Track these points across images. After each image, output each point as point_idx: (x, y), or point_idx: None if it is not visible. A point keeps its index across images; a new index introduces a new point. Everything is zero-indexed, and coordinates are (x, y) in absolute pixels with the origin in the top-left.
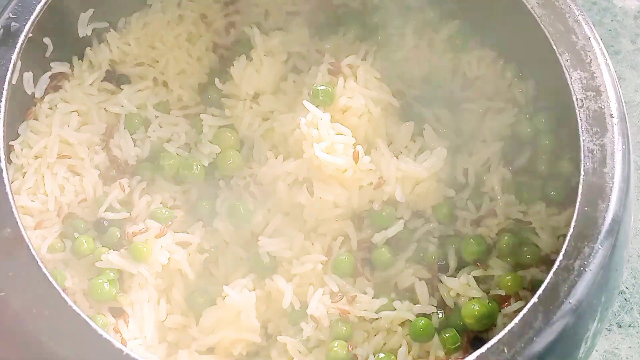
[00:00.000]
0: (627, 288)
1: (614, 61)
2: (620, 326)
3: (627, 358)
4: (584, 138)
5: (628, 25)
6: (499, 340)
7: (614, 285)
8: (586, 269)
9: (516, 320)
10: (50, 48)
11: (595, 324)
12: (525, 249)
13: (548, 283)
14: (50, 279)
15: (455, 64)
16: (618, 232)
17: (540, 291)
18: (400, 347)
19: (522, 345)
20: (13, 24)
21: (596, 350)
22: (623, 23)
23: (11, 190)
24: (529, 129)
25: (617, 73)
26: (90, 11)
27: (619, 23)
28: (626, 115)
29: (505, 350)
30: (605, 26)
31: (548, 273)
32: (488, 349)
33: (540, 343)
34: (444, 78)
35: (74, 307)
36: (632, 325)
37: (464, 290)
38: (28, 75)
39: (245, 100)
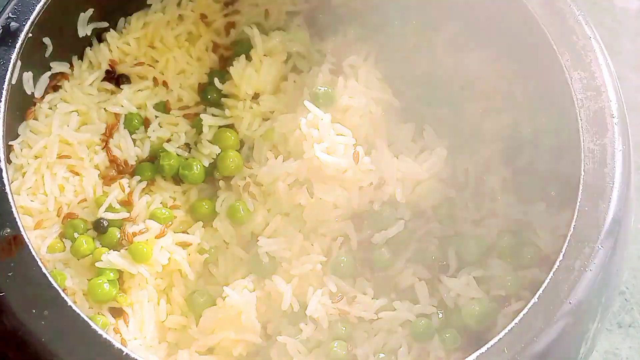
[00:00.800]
0: (627, 288)
1: (614, 61)
2: (621, 326)
3: (627, 358)
4: (584, 138)
5: (628, 25)
6: (499, 340)
7: (614, 286)
8: (586, 269)
9: (516, 320)
10: (50, 48)
11: (595, 324)
12: (526, 249)
13: (548, 283)
14: (50, 279)
15: (455, 64)
16: (618, 232)
17: (540, 291)
18: (400, 347)
19: (523, 345)
20: (13, 23)
21: (596, 351)
22: (623, 23)
23: (11, 190)
24: (529, 129)
25: (617, 73)
26: (90, 11)
27: (619, 23)
28: (626, 116)
29: (506, 351)
30: (605, 26)
31: (548, 273)
32: (488, 349)
33: (541, 343)
34: (444, 78)
35: (74, 307)
36: (633, 325)
37: (464, 290)
38: (28, 75)
39: (245, 100)
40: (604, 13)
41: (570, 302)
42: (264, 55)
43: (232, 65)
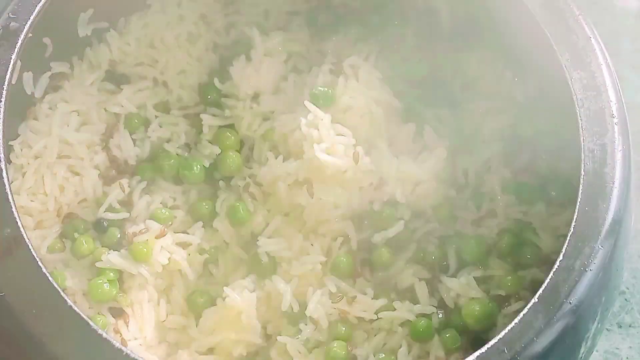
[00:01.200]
0: (627, 288)
1: (614, 61)
2: (621, 326)
3: (627, 358)
4: (584, 138)
5: (628, 25)
6: (499, 340)
7: (614, 286)
8: (586, 269)
9: (516, 320)
10: (50, 48)
11: (595, 324)
12: (526, 249)
13: (548, 283)
14: (50, 279)
15: (455, 65)
16: (618, 232)
17: (540, 291)
18: (400, 347)
19: (523, 345)
20: (12, 23)
21: (596, 351)
22: (623, 23)
23: (11, 191)
24: (529, 129)
25: (617, 73)
26: (90, 11)
27: (619, 23)
28: (626, 115)
29: (506, 351)
30: (605, 26)
31: (548, 273)
32: (488, 349)
33: (541, 343)
34: (445, 79)
35: (74, 307)
36: (633, 325)
37: (464, 290)
38: (28, 75)
39: (245, 100)
40: (604, 13)
41: (570, 302)
42: (264, 55)
43: (232, 65)
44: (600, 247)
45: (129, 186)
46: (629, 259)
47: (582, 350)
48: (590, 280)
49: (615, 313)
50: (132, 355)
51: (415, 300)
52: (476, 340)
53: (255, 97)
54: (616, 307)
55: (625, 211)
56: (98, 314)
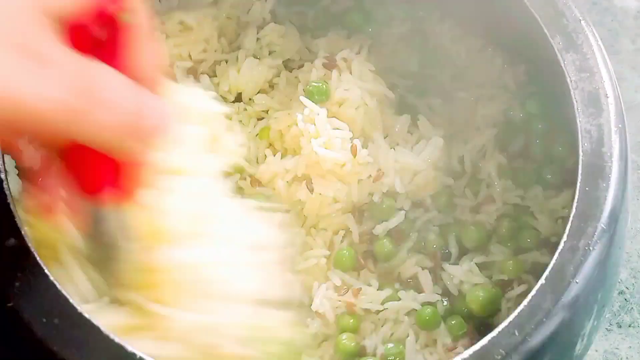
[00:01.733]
0: (627, 288)
1: (614, 61)
2: (620, 326)
3: (627, 358)
4: (580, 119)
5: (628, 25)
6: (510, 323)
7: (617, 263)
8: (590, 248)
9: (525, 302)
10: None
11: (599, 303)
12: (525, 233)
13: (554, 264)
14: (58, 286)
15: (444, 55)
16: (620, 211)
17: (547, 272)
18: (407, 336)
19: (533, 327)
20: None
21: (596, 351)
22: (623, 23)
23: (13, 201)
24: (521, 115)
25: (617, 73)
26: None
27: (619, 23)
28: (620, 95)
29: (517, 333)
30: (605, 26)
31: (549, 256)
32: (499, 332)
33: (551, 324)
34: (435, 69)
35: (84, 313)
36: (632, 325)
37: (467, 277)
38: None
39: (238, 103)
40: (604, 13)
41: (577, 282)
42: (253, 56)
43: (221, 67)
44: (602, 226)
45: None
46: (629, 259)
47: (588, 328)
48: (595, 260)
49: (615, 313)
50: (146, 358)
51: (419, 289)
52: (482, 326)
53: (248, 98)
54: (616, 307)
55: (625, 190)
56: None
